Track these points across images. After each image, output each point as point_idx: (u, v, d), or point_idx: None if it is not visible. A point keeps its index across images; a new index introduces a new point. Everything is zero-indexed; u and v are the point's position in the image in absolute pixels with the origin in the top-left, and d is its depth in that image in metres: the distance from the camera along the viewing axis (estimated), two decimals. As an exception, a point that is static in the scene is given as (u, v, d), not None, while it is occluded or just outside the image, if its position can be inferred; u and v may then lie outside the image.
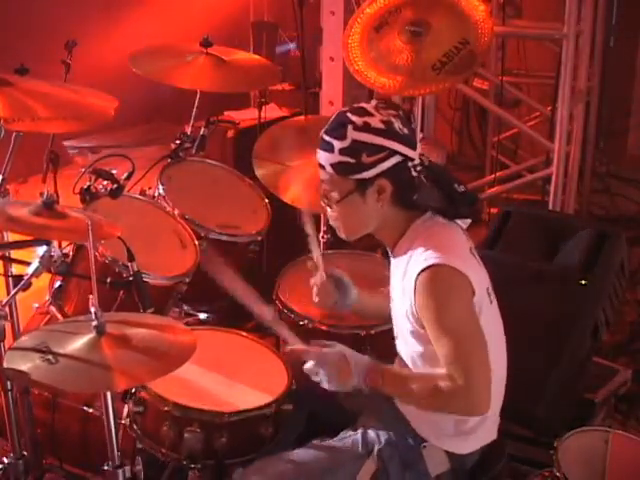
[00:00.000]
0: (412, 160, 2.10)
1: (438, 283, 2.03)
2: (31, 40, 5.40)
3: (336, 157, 2.09)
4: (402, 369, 2.20)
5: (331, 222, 2.22)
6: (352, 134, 2.07)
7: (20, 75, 2.74)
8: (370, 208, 2.12)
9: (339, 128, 2.09)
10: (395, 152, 2.07)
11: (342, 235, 2.23)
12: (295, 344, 2.23)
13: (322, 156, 2.13)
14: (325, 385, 2.12)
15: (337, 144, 2.08)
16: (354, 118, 2.08)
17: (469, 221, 2.21)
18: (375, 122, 2.08)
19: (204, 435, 2.23)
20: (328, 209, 2.19)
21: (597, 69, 5.06)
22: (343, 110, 2.14)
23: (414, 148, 2.11)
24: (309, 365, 2.13)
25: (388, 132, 2.07)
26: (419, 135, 2.16)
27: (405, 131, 2.09)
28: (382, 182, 2.09)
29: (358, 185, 2.10)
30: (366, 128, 2.07)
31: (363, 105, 2.12)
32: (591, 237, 3.19)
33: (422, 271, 2.04)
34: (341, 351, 2.14)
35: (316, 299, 2.42)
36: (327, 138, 2.11)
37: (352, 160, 2.07)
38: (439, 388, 2.03)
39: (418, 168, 2.11)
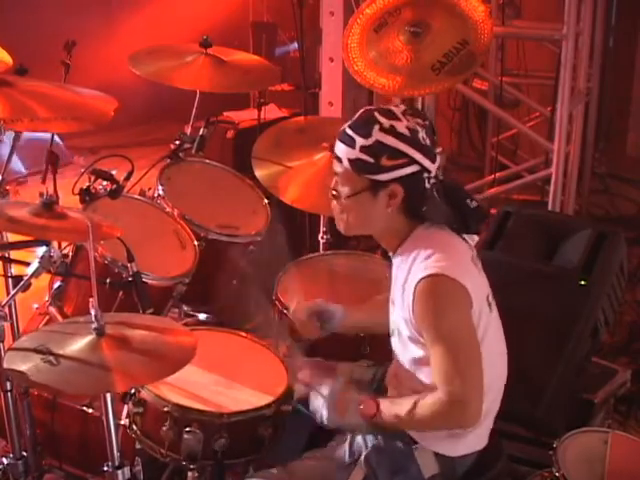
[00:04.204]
0: (429, 172, 2.09)
1: (436, 292, 2.03)
2: (31, 40, 5.41)
3: (356, 153, 2.08)
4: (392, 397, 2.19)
5: (334, 214, 2.21)
6: (377, 134, 2.06)
7: (20, 75, 2.74)
8: (378, 211, 2.12)
9: (365, 126, 2.08)
10: (415, 161, 2.07)
11: (340, 228, 2.22)
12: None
13: (341, 149, 2.12)
14: (324, 416, 2.14)
15: (360, 141, 2.07)
16: (382, 119, 2.07)
17: (477, 238, 2.22)
18: (401, 127, 2.07)
19: (203, 435, 2.22)
20: (334, 201, 2.18)
21: (596, 70, 5.07)
22: (370, 109, 2.13)
23: (434, 161, 2.10)
24: (316, 397, 2.17)
25: (412, 140, 2.07)
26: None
27: (427, 142, 2.09)
28: (396, 188, 2.08)
29: (371, 185, 2.09)
30: (392, 131, 2.06)
31: (392, 108, 2.12)
32: (590, 237, 3.18)
33: (421, 279, 2.04)
34: (342, 383, 2.18)
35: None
36: (350, 133, 2.10)
37: (371, 160, 2.07)
38: (434, 403, 2.03)
39: (432, 181, 2.11)
